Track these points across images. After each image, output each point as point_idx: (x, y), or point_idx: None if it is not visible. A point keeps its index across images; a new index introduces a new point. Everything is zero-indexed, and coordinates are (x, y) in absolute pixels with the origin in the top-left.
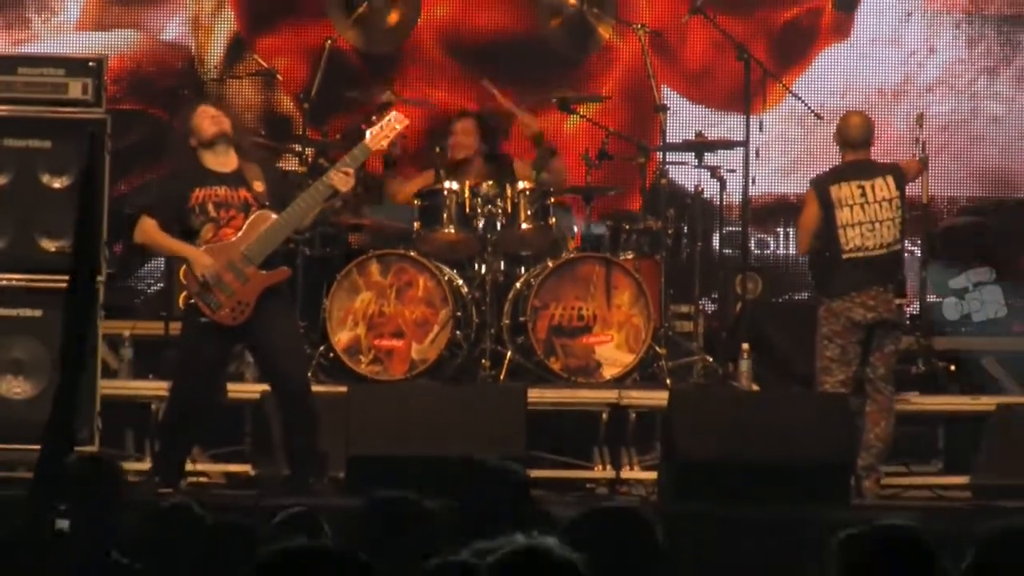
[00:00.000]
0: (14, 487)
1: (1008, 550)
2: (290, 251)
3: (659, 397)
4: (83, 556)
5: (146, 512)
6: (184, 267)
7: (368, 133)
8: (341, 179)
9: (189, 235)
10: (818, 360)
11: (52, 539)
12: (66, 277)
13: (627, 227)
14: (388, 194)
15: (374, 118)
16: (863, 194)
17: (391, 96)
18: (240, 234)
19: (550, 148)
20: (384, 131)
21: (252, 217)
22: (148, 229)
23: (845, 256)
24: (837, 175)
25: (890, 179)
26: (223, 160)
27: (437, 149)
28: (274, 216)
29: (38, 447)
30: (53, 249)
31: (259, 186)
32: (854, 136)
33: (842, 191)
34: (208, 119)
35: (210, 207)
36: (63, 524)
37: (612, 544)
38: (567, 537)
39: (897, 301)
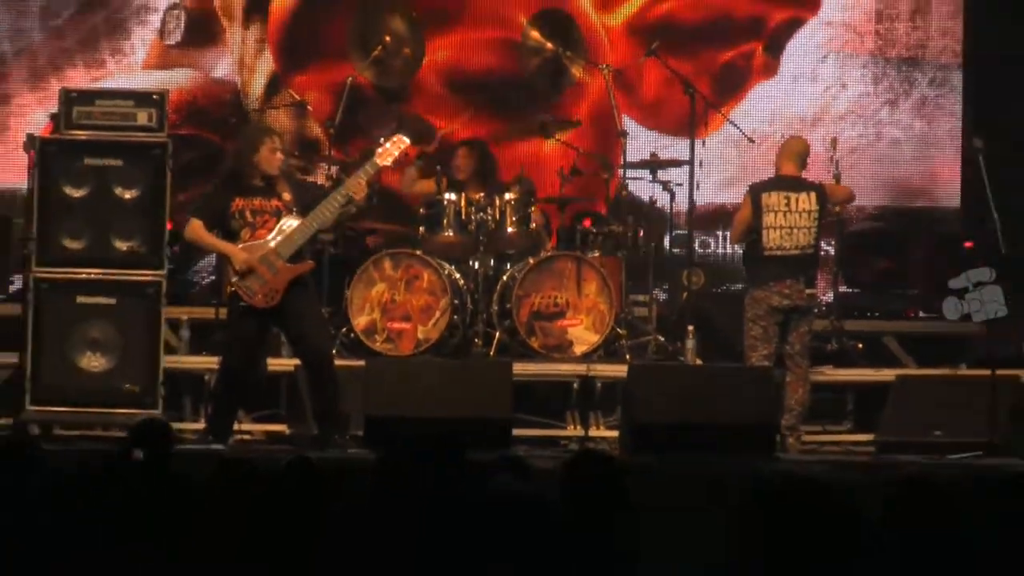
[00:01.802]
0: (96, 442)
1: (913, 496)
2: (318, 250)
3: (620, 370)
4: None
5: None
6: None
7: (376, 151)
8: (355, 187)
9: (230, 236)
10: (745, 339)
11: (130, 469)
12: (135, 271)
13: (594, 230)
14: (403, 179)
15: (382, 139)
16: (787, 204)
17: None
18: (272, 234)
19: None
20: (390, 149)
21: (282, 221)
22: (195, 228)
23: (766, 253)
24: (770, 185)
25: (813, 195)
26: (261, 176)
27: (438, 167)
28: (299, 220)
29: (112, 410)
30: (124, 249)
31: (287, 196)
32: (790, 156)
33: (771, 199)
34: (276, 160)
35: (247, 214)
36: (139, 454)
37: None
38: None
39: (808, 291)
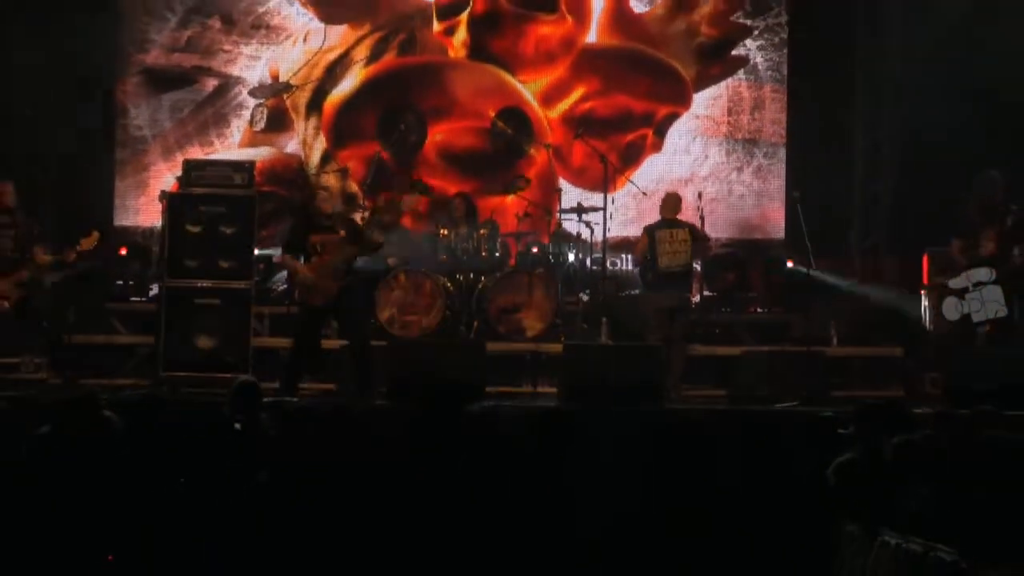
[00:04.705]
0: (204, 396)
1: (748, 428)
2: (357, 267)
3: (558, 347)
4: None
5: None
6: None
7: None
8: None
9: (308, 258)
10: (644, 326)
11: (232, 433)
12: (233, 282)
13: (540, 254)
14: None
15: (404, 196)
16: (671, 237)
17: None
18: (332, 257)
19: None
20: (410, 202)
21: (338, 247)
22: (286, 258)
23: (660, 269)
24: (659, 225)
25: (687, 230)
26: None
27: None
28: (351, 247)
29: (217, 374)
30: (225, 267)
31: (343, 232)
32: (668, 205)
33: (661, 234)
34: (327, 203)
35: (319, 246)
36: (238, 425)
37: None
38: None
39: (687, 295)
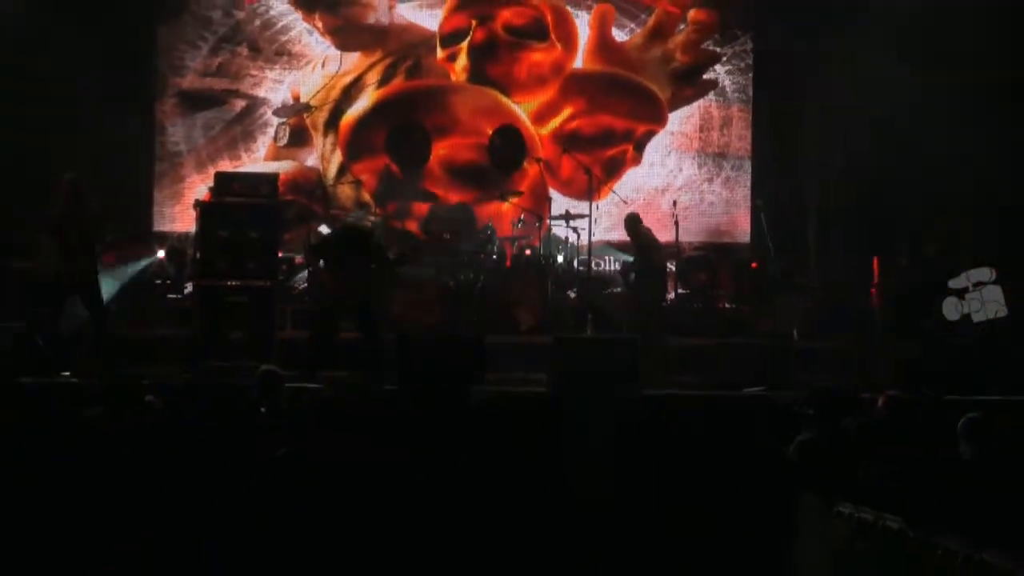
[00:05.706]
0: (233, 383)
1: (724, 410)
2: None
3: (548, 339)
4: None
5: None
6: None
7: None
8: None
9: (332, 268)
10: (624, 319)
11: (257, 416)
12: (258, 280)
13: (532, 256)
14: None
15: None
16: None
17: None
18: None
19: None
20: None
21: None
22: (315, 264)
23: (647, 267)
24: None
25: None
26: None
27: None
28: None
29: (245, 363)
30: (252, 267)
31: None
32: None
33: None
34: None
35: (347, 262)
36: (263, 409)
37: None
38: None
39: (663, 293)
